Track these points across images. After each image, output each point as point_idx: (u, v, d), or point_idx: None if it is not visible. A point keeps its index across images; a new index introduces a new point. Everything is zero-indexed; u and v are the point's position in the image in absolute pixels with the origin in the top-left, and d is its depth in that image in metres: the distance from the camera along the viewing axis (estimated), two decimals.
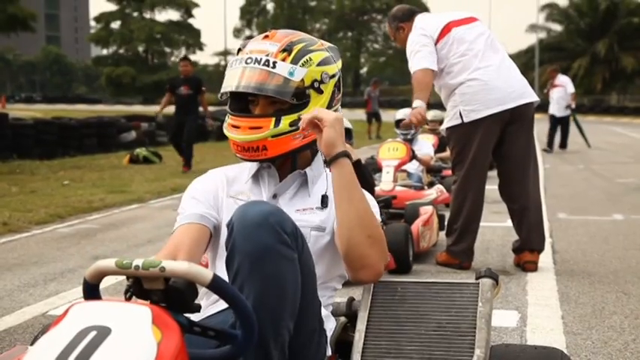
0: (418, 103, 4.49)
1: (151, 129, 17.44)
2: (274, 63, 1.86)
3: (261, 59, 1.86)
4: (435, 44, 4.44)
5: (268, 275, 1.58)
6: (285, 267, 1.60)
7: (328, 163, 1.84)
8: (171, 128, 11.76)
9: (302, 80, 1.87)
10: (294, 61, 1.87)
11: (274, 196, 1.94)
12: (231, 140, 1.93)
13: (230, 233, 1.62)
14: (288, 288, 1.60)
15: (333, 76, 1.95)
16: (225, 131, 1.94)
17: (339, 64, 2.00)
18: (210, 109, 12.72)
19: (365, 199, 1.84)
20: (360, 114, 28.94)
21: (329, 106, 1.94)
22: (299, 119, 1.86)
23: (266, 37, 1.93)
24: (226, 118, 1.95)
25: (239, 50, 1.95)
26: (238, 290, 1.56)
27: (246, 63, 1.88)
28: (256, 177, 2.00)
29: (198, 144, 16.66)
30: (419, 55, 4.45)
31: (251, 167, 2.01)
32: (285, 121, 1.87)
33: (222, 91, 1.93)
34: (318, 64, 1.91)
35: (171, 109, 11.53)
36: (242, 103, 1.95)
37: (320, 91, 1.91)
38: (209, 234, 1.91)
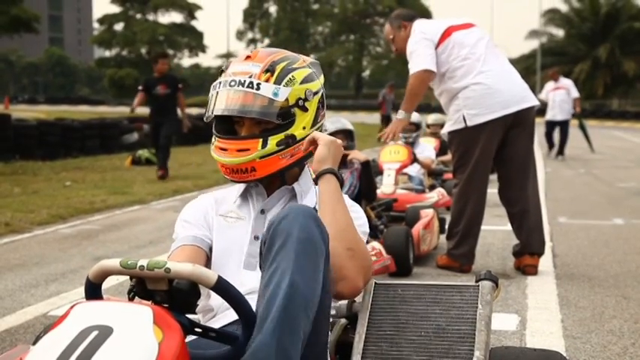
0: (401, 115, 4.61)
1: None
2: (258, 85, 1.88)
3: (244, 81, 1.88)
4: (436, 48, 4.46)
5: (307, 262, 1.55)
6: (321, 264, 1.59)
7: (316, 178, 1.88)
8: (149, 132, 10.80)
9: (286, 100, 1.89)
10: (278, 81, 1.89)
11: (262, 212, 1.96)
12: (218, 162, 1.95)
13: (278, 221, 1.59)
14: (318, 285, 1.57)
15: (317, 92, 1.97)
16: (213, 154, 1.96)
17: (322, 79, 2.02)
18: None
19: (347, 214, 1.85)
20: (363, 116, 28.98)
21: (314, 123, 1.97)
22: (286, 138, 1.90)
23: (248, 57, 1.95)
24: (213, 140, 1.97)
25: (221, 71, 1.97)
26: (274, 266, 1.54)
27: (230, 86, 1.89)
28: (244, 195, 2.02)
29: (200, 146, 16.72)
30: (418, 53, 4.47)
31: (239, 187, 2.03)
32: (272, 142, 1.90)
33: (207, 114, 1.94)
34: (302, 82, 1.93)
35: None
36: (228, 124, 1.97)
37: (305, 109, 1.94)
38: (205, 255, 1.93)
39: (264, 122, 1.91)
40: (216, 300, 1.85)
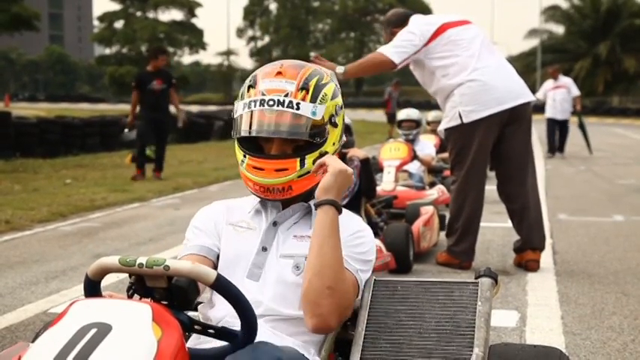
0: (340, 70, 4.39)
1: None
2: (298, 104, 1.84)
3: (284, 101, 1.84)
4: (428, 43, 4.44)
5: None
6: None
7: (316, 206, 1.84)
8: (140, 128, 10.01)
9: (322, 117, 1.87)
10: (313, 99, 1.86)
11: (274, 224, 1.93)
12: (250, 180, 1.90)
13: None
14: None
15: (342, 107, 1.97)
16: (247, 173, 1.90)
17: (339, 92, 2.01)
18: (213, 108, 12.45)
19: (336, 249, 1.79)
20: (363, 114, 28.95)
21: (340, 137, 1.96)
22: (320, 156, 1.88)
23: (279, 73, 1.89)
24: (242, 157, 1.91)
25: (249, 87, 1.90)
26: None
27: (269, 105, 1.84)
28: (259, 207, 1.98)
29: (200, 143, 16.73)
30: (397, 42, 4.45)
31: (255, 198, 1.99)
32: (309, 160, 1.87)
33: (248, 134, 1.87)
34: (332, 98, 1.91)
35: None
36: (254, 142, 1.92)
37: (335, 125, 1.92)
38: (212, 265, 1.89)
39: (294, 140, 1.88)
40: (217, 312, 1.82)
